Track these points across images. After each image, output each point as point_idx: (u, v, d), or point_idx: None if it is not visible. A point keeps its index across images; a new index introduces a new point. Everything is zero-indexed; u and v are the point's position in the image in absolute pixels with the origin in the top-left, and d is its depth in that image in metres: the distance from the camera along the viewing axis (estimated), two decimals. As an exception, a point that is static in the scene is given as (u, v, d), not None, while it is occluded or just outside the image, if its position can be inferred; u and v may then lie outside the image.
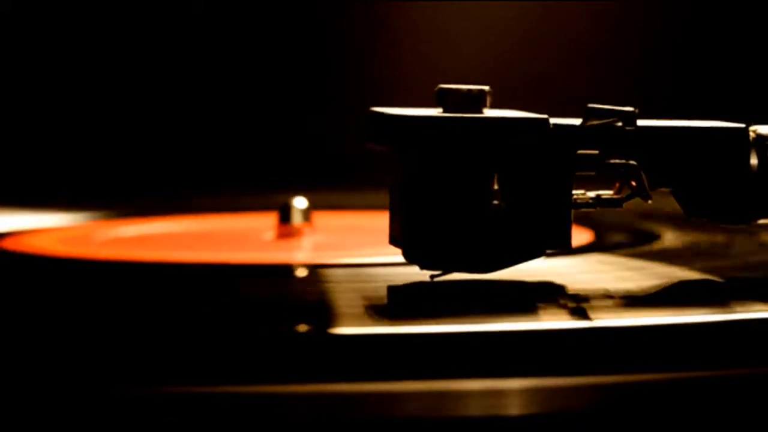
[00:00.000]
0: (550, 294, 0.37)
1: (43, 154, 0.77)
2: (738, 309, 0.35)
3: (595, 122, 0.37)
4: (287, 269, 0.44)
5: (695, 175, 0.38)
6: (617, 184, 0.38)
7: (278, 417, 0.30)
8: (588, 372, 0.31)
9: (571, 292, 0.37)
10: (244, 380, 0.30)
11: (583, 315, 0.34)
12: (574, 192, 0.37)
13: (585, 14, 0.80)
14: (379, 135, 0.38)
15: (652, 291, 0.38)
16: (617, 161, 0.37)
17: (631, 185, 0.37)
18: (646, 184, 0.37)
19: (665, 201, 0.39)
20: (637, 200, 0.37)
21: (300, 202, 0.51)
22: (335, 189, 0.66)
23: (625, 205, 0.37)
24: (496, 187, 0.36)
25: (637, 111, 0.37)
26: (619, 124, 0.37)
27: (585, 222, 0.49)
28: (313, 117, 0.79)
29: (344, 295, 0.38)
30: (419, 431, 0.30)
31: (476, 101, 0.36)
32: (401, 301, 0.37)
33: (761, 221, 0.39)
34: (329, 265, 0.45)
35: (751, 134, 0.38)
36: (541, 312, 0.35)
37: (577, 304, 0.35)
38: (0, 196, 0.65)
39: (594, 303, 0.35)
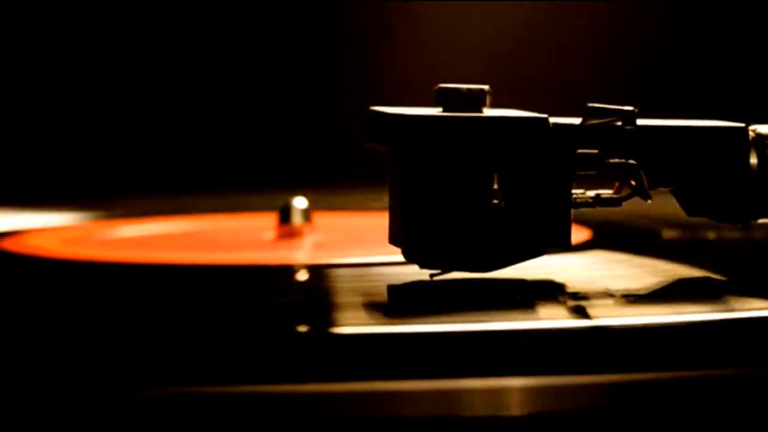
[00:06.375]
0: (550, 293, 0.37)
1: (43, 154, 0.77)
2: (739, 307, 0.35)
3: (595, 121, 0.37)
4: (287, 269, 0.44)
5: (695, 174, 0.38)
6: (617, 184, 0.38)
7: (277, 417, 0.30)
8: (588, 371, 0.31)
9: (571, 291, 0.37)
10: (244, 380, 0.30)
11: (583, 314, 0.34)
12: (573, 191, 0.37)
13: (584, 14, 0.80)
14: (378, 134, 0.38)
15: (653, 289, 0.38)
16: (617, 161, 0.37)
17: (631, 185, 0.37)
18: (646, 183, 0.37)
19: (665, 200, 0.39)
20: (636, 199, 0.37)
21: (300, 202, 0.51)
22: (335, 189, 0.66)
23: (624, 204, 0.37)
24: (495, 186, 0.36)
25: (636, 110, 0.37)
26: (619, 123, 0.37)
27: (584, 220, 0.49)
28: (313, 116, 0.79)
29: (344, 294, 0.38)
30: (419, 430, 0.30)
31: (476, 101, 0.36)
32: (401, 300, 0.37)
33: (761, 220, 0.39)
34: (329, 265, 0.44)
35: (751, 134, 0.38)
36: (541, 311, 0.35)
37: (577, 302, 0.35)
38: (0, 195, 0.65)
39: (594, 301, 0.35)
